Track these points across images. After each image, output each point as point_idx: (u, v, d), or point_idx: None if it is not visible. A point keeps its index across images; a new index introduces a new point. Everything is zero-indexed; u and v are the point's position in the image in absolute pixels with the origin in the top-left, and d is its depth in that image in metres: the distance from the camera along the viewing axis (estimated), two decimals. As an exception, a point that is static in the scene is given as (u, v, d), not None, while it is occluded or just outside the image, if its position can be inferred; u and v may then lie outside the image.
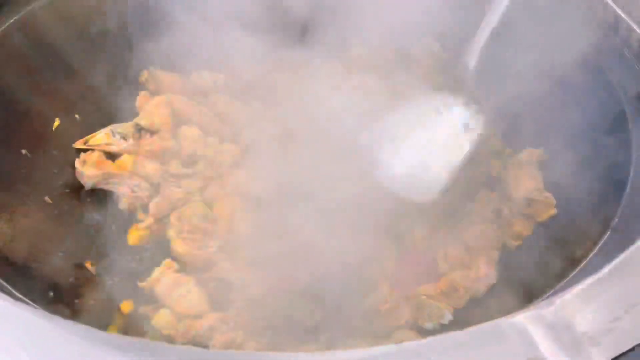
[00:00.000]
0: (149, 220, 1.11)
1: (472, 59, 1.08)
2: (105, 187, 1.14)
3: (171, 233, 1.08)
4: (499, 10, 1.05)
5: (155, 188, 1.14)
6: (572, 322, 0.62)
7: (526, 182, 1.06)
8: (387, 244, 1.07)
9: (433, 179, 1.07)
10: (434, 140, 1.09)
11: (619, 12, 1.05)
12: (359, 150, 1.11)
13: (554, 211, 1.04)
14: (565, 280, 0.82)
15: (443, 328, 0.96)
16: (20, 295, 0.83)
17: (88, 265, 1.05)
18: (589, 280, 0.65)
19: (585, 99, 1.01)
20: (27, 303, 0.82)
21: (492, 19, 1.05)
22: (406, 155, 1.09)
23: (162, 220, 1.11)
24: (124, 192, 1.13)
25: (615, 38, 1.05)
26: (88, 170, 1.12)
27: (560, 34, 1.06)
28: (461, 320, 0.97)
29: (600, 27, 1.04)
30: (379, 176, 1.08)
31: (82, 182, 1.13)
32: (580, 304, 0.63)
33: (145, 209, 1.12)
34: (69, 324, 0.62)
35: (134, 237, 1.10)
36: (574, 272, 0.83)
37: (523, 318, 0.62)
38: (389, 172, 1.08)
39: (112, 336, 0.66)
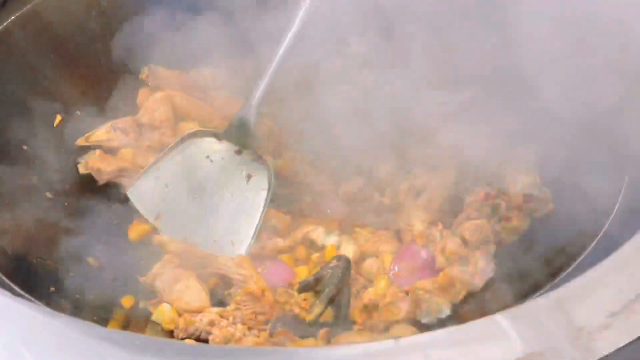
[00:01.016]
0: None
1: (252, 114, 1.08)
2: (118, 180, 1.15)
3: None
4: (272, 67, 1.05)
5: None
6: (569, 317, 0.62)
7: (524, 177, 1.06)
8: (385, 239, 1.07)
9: (238, 233, 1.07)
10: (223, 195, 1.09)
11: (614, 8, 1.05)
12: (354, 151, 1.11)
13: (551, 206, 1.04)
14: (562, 276, 0.83)
15: (441, 323, 0.97)
16: (20, 291, 0.84)
17: (90, 260, 1.05)
18: (586, 275, 0.66)
19: (583, 95, 1.01)
20: (27, 298, 0.82)
21: (266, 77, 1.06)
22: (200, 213, 1.09)
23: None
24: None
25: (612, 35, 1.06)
26: (105, 166, 1.13)
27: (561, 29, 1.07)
28: (459, 314, 0.97)
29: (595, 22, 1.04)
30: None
31: (98, 177, 1.14)
32: (577, 300, 0.63)
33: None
34: (70, 320, 0.63)
35: (134, 232, 1.11)
36: (571, 268, 0.83)
37: (520, 313, 0.62)
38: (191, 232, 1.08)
39: (113, 332, 0.67)
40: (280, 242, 1.07)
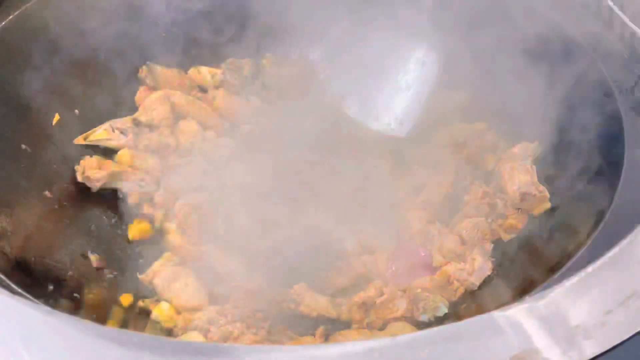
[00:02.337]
0: (158, 214, 1.11)
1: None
2: (112, 186, 1.14)
3: (171, 225, 1.09)
4: None
5: (158, 181, 1.15)
6: (565, 315, 0.62)
7: (520, 175, 1.06)
8: (383, 237, 1.07)
9: (405, 114, 1.14)
10: (394, 76, 1.16)
11: (613, 7, 1.05)
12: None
13: (548, 205, 1.04)
14: (558, 274, 0.83)
15: (438, 321, 0.97)
16: (19, 289, 0.83)
17: (92, 258, 1.05)
18: (582, 273, 0.66)
19: (580, 94, 1.02)
20: (26, 297, 0.82)
21: None
22: (372, 93, 1.16)
23: (168, 212, 1.12)
24: (131, 189, 1.14)
25: (609, 33, 1.06)
26: (94, 174, 1.13)
27: (554, 29, 1.07)
28: (456, 313, 0.98)
29: (594, 21, 1.04)
30: (351, 113, 1.16)
31: (90, 185, 1.13)
32: (574, 297, 0.64)
33: (152, 203, 1.13)
34: (68, 318, 0.63)
35: (134, 231, 1.11)
36: (567, 266, 0.83)
37: (517, 311, 0.62)
38: (359, 108, 1.15)
39: (111, 330, 0.67)
40: (278, 239, 1.07)
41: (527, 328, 0.61)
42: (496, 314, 0.62)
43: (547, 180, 1.06)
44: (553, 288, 0.64)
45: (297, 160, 1.16)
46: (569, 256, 0.85)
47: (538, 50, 1.07)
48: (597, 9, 1.07)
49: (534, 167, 1.08)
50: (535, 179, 1.06)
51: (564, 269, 0.83)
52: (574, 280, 0.65)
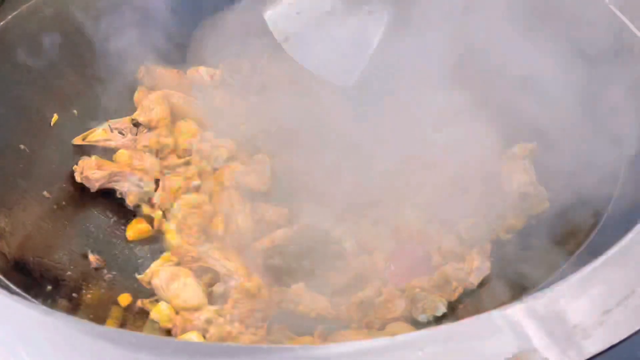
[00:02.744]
0: (157, 215, 1.11)
1: None
2: (111, 186, 1.14)
3: (169, 225, 1.09)
4: None
5: (156, 181, 1.15)
6: (564, 314, 0.62)
7: (519, 176, 1.06)
8: (382, 237, 1.07)
9: (351, 63, 1.12)
10: (338, 22, 1.14)
11: (612, 8, 1.05)
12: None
13: (547, 205, 1.04)
14: (556, 273, 0.83)
15: (437, 320, 0.97)
16: (17, 289, 0.83)
17: (91, 258, 1.05)
18: (581, 273, 0.66)
19: (578, 94, 1.02)
20: (24, 297, 0.82)
21: None
22: (317, 38, 1.14)
23: (167, 212, 1.12)
24: (130, 189, 1.13)
25: (608, 33, 1.06)
26: (93, 174, 1.13)
27: (554, 30, 1.07)
28: (455, 312, 0.98)
29: (593, 22, 1.04)
30: (295, 57, 1.14)
31: (89, 185, 1.13)
32: (572, 297, 0.64)
33: (150, 203, 1.13)
34: (66, 318, 0.63)
35: (133, 231, 1.11)
36: (566, 265, 0.83)
37: (515, 310, 0.62)
38: (303, 53, 1.13)
39: (109, 330, 0.67)
40: (276, 239, 1.07)
41: (526, 328, 0.61)
42: (495, 314, 0.62)
43: (545, 180, 1.06)
44: (552, 288, 0.64)
45: (297, 160, 1.16)
46: (567, 256, 0.85)
47: (537, 49, 1.08)
48: (596, 9, 1.07)
49: (532, 167, 1.08)
50: (534, 178, 1.06)
51: (561, 269, 0.83)
52: (572, 279, 0.65)
